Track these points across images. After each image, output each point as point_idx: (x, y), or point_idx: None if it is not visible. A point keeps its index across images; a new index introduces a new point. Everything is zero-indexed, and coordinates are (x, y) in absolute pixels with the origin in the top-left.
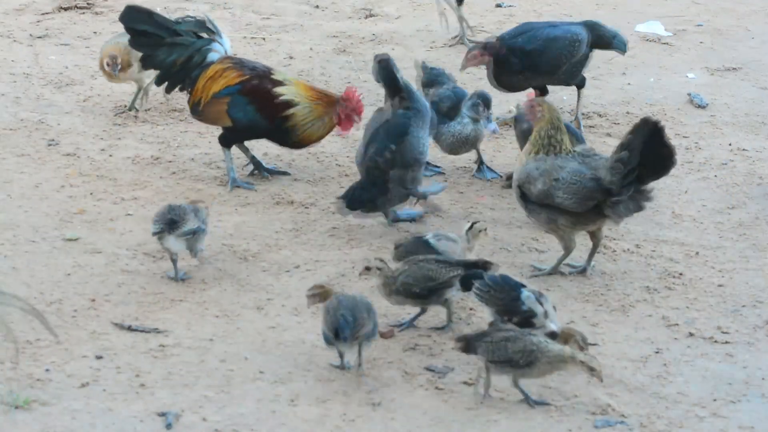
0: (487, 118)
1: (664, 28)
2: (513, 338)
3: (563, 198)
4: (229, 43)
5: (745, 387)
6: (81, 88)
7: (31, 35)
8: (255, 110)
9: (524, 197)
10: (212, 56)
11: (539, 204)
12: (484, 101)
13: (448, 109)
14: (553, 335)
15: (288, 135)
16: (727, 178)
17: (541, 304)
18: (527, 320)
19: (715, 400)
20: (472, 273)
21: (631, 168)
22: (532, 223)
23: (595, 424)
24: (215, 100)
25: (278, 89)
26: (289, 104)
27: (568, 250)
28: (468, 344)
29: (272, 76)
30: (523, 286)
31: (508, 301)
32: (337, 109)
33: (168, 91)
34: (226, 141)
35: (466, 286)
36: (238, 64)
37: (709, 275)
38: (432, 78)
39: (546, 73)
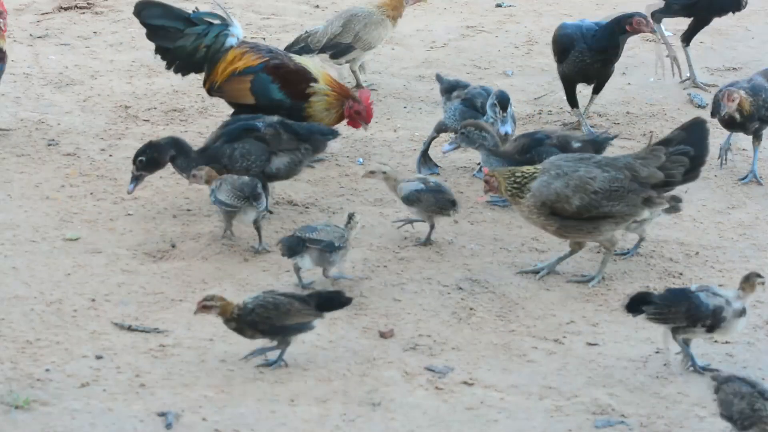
0: (502, 120)
1: (664, 28)
2: (740, 395)
3: (611, 206)
4: (241, 29)
5: None
6: (81, 88)
7: (31, 35)
8: (279, 88)
9: (556, 215)
10: (230, 41)
11: (577, 218)
12: (500, 102)
13: (482, 105)
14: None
15: (302, 117)
16: (727, 178)
17: (717, 294)
18: (717, 318)
19: (715, 400)
20: (638, 297)
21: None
22: (565, 237)
23: (595, 424)
24: (236, 78)
25: (307, 71)
26: (311, 83)
27: (613, 248)
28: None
29: (294, 60)
30: (687, 289)
31: (691, 307)
32: (347, 104)
33: (185, 74)
34: None
35: (634, 311)
36: (255, 47)
37: (709, 275)
38: (450, 84)
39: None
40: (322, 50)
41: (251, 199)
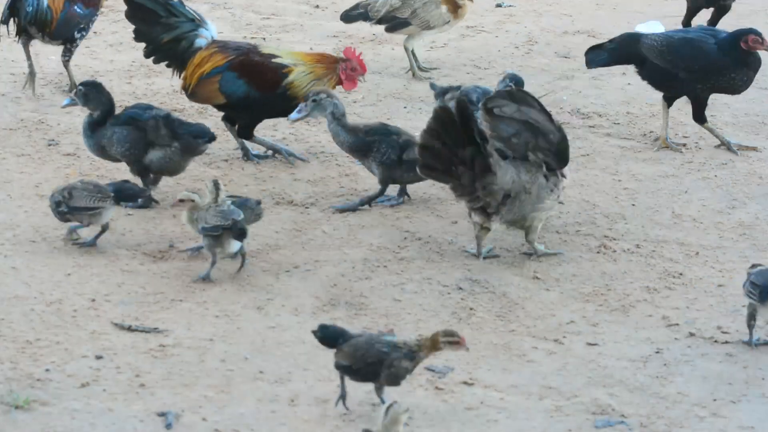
0: None
1: (664, 28)
2: None
3: None
4: (215, 30)
5: (745, 387)
6: None
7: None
8: (245, 83)
9: None
10: (199, 42)
11: None
12: (516, 83)
13: (477, 99)
14: None
15: (291, 102)
16: (727, 178)
17: None
18: None
19: (715, 400)
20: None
21: None
22: None
23: (595, 424)
24: (205, 81)
25: (274, 60)
26: (285, 71)
27: None
28: None
29: (260, 50)
30: None
31: None
32: (338, 69)
33: (156, 62)
34: (243, 132)
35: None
36: (223, 47)
37: (709, 275)
38: (443, 89)
39: None
40: (378, 22)
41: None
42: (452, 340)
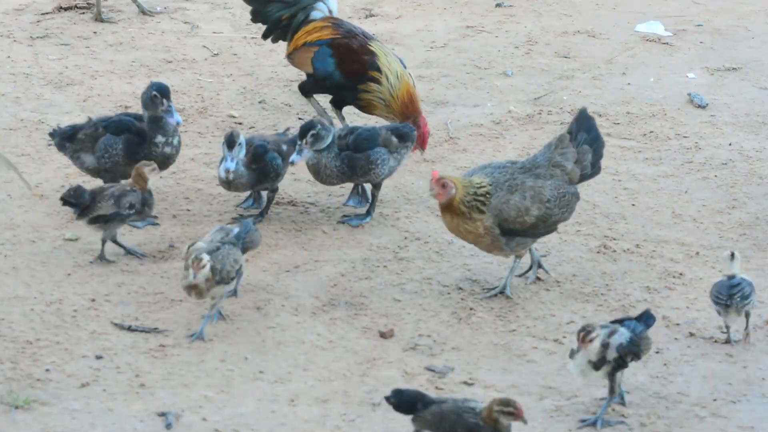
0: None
1: (664, 28)
2: None
3: (561, 213)
4: (336, 4)
5: (745, 387)
6: (81, 88)
7: (31, 35)
8: (335, 64)
9: (506, 233)
10: (315, 14)
11: (516, 234)
12: (159, 90)
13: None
14: None
15: (357, 98)
16: (727, 178)
17: None
18: None
19: (715, 400)
20: None
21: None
22: (498, 253)
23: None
24: (305, 48)
25: (370, 56)
26: (373, 73)
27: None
28: None
29: (368, 45)
30: None
31: None
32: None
33: (274, 41)
34: (304, 90)
35: None
36: (337, 24)
37: (709, 275)
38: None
39: None
40: None
41: None
42: (507, 410)
